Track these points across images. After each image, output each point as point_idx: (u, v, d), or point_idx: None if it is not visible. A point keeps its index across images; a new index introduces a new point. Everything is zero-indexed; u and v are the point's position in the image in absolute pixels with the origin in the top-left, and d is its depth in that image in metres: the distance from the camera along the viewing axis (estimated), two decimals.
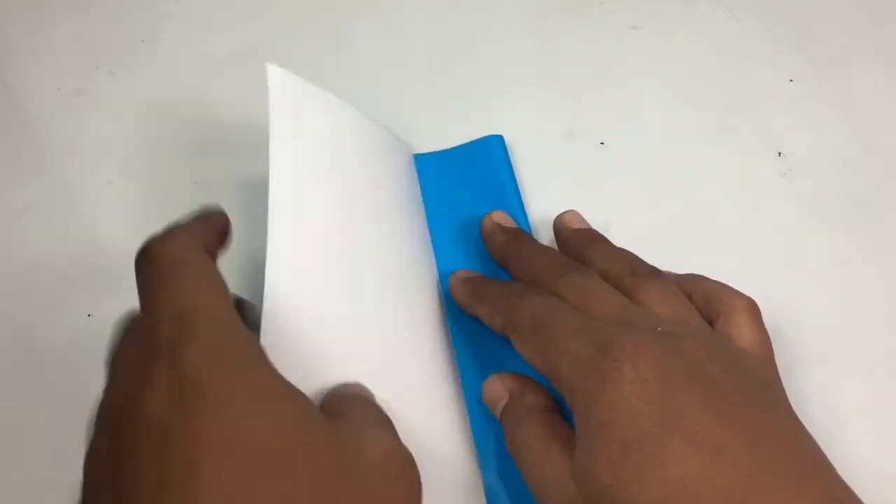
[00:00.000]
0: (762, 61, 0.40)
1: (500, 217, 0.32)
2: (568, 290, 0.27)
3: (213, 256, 0.24)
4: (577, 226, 0.32)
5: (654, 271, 0.28)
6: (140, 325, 0.21)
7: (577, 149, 0.37)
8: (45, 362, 0.32)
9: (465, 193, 0.35)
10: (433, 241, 0.34)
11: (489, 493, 0.27)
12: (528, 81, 0.40)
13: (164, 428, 0.18)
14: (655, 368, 0.22)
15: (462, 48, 0.41)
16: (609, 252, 0.30)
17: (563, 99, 0.39)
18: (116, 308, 0.33)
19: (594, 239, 0.31)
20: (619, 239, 0.31)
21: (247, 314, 0.25)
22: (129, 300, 0.33)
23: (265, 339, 0.23)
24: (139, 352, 0.21)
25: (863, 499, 0.22)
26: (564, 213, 0.32)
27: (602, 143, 0.37)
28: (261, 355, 0.21)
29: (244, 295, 0.27)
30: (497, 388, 0.28)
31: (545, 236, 0.34)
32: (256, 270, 0.32)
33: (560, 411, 0.27)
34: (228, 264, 0.28)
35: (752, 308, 0.27)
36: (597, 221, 0.33)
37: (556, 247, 0.33)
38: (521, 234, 0.32)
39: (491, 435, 0.29)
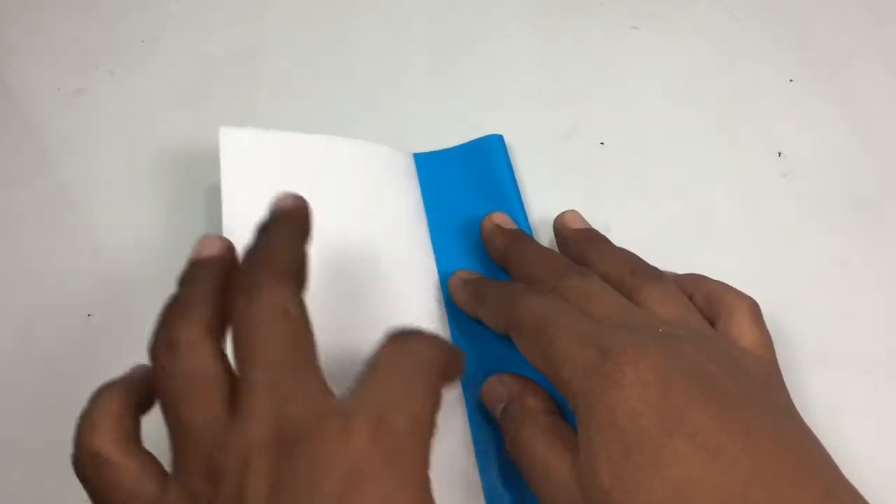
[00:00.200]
0: (762, 61, 0.40)
1: (500, 218, 0.32)
2: (568, 291, 0.27)
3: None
4: (577, 226, 0.32)
5: (654, 272, 0.28)
6: None
7: (577, 149, 0.37)
8: (46, 362, 0.32)
9: (466, 193, 0.35)
10: (433, 241, 0.34)
11: (489, 494, 0.27)
12: (528, 81, 0.40)
13: None
14: (656, 370, 0.22)
15: (462, 48, 0.41)
16: (609, 252, 0.30)
17: (563, 99, 0.39)
18: (116, 308, 0.33)
19: (594, 239, 0.31)
20: (619, 239, 0.31)
21: None
22: (129, 300, 0.33)
23: None
24: None
25: (864, 498, 0.22)
26: (564, 212, 0.32)
27: (602, 143, 0.37)
28: None
29: None
30: (497, 390, 0.28)
31: (545, 236, 0.34)
32: None
33: (561, 413, 0.27)
34: None
35: (754, 308, 0.27)
36: (597, 221, 0.33)
37: (556, 247, 0.33)
38: (521, 235, 0.32)
39: (491, 435, 0.28)
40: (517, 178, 0.35)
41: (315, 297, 0.28)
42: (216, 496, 0.20)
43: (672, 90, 0.39)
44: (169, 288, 0.33)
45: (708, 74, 0.39)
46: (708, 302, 0.27)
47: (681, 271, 0.29)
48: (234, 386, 0.21)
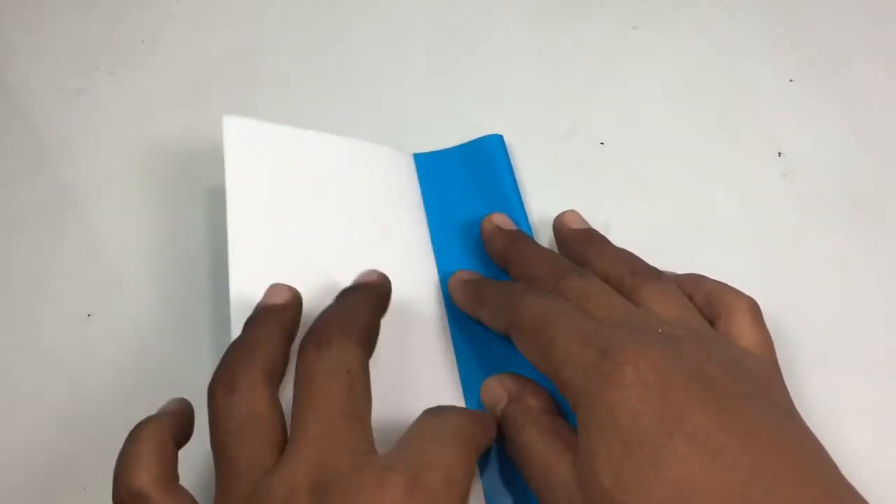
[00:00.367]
0: (762, 61, 0.40)
1: (499, 219, 0.32)
2: (568, 292, 0.27)
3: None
4: (576, 226, 0.32)
5: (654, 272, 0.28)
6: None
7: (577, 149, 0.37)
8: (45, 362, 0.32)
9: (466, 193, 0.35)
10: (433, 241, 0.34)
11: (489, 494, 0.27)
12: (528, 81, 0.40)
13: None
14: (656, 370, 0.22)
15: (462, 48, 0.41)
16: (609, 252, 0.30)
17: (563, 99, 0.39)
18: (116, 308, 0.33)
19: (594, 239, 0.31)
20: (619, 239, 0.31)
21: None
22: (129, 300, 0.33)
23: None
24: None
25: (864, 498, 0.22)
26: (564, 212, 0.32)
27: (602, 143, 0.37)
28: None
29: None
30: (496, 390, 0.28)
31: (545, 237, 0.34)
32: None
33: (561, 413, 0.27)
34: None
35: (754, 308, 0.27)
36: (597, 221, 0.33)
37: (555, 247, 0.33)
38: (521, 236, 0.32)
39: None
40: (517, 178, 0.35)
41: (314, 297, 0.29)
42: None
43: (672, 90, 0.39)
44: (169, 288, 0.33)
45: (708, 74, 0.39)
46: (708, 302, 0.27)
47: (681, 271, 0.29)
48: (284, 432, 0.23)
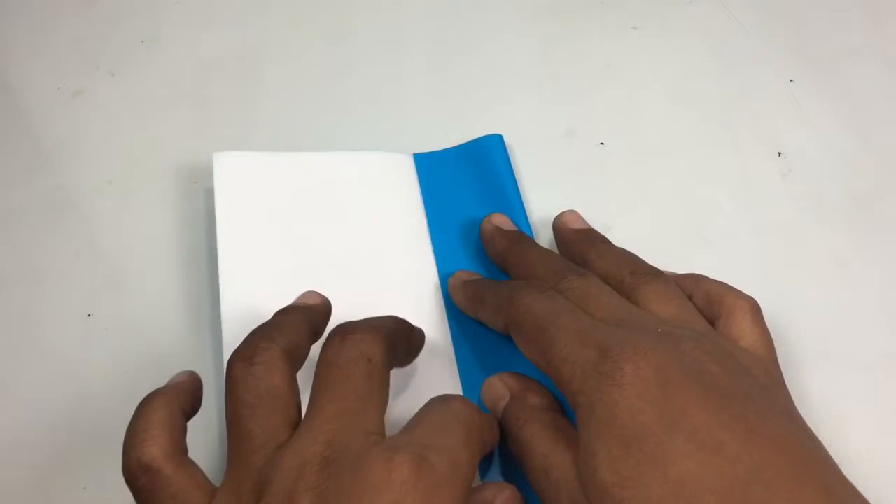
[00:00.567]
0: (762, 61, 0.40)
1: (499, 220, 0.32)
2: (568, 292, 0.27)
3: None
4: (576, 226, 0.32)
5: (654, 271, 0.28)
6: None
7: (577, 149, 0.37)
8: (45, 362, 0.32)
9: (466, 193, 0.35)
10: (433, 241, 0.34)
11: None
12: (529, 82, 0.40)
13: None
14: (656, 369, 0.23)
15: (462, 48, 0.41)
16: (609, 252, 0.30)
17: (563, 99, 0.39)
18: (116, 308, 0.33)
19: (594, 239, 0.31)
20: (619, 239, 0.31)
21: None
22: (129, 300, 0.33)
23: None
24: None
25: (863, 496, 0.22)
26: (564, 213, 0.32)
27: (602, 144, 0.37)
28: None
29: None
30: (498, 388, 0.28)
31: (545, 237, 0.34)
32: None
33: (562, 410, 0.27)
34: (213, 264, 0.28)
35: (754, 308, 0.27)
36: (597, 221, 0.33)
37: (555, 247, 0.33)
38: (521, 237, 0.32)
39: None
40: (517, 178, 0.35)
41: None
42: None
43: (672, 90, 0.39)
44: (169, 288, 0.33)
45: (708, 74, 0.39)
46: (707, 302, 0.27)
47: (681, 271, 0.30)
48: (299, 410, 0.24)
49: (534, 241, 0.32)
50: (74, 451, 0.30)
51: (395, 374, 0.29)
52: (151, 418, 0.23)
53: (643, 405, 0.22)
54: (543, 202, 0.35)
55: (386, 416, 0.24)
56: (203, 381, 0.26)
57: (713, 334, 0.26)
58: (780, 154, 0.36)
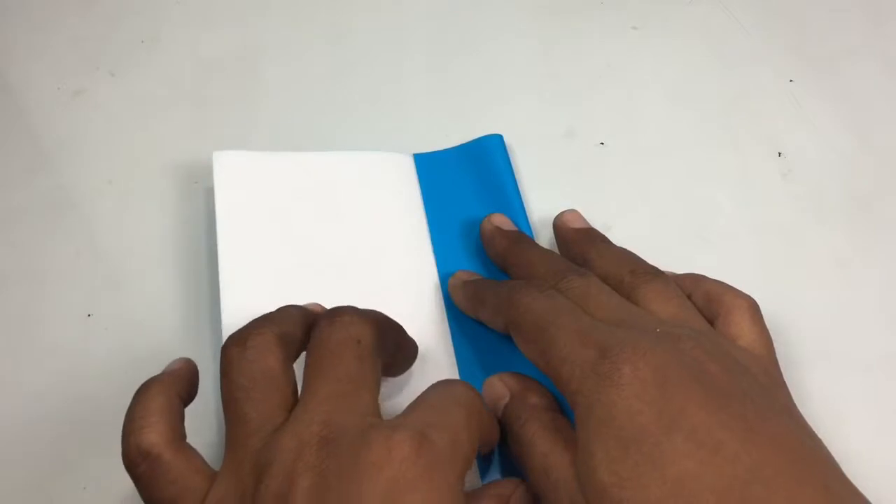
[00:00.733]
0: (762, 62, 0.40)
1: (499, 220, 0.32)
2: (567, 292, 0.27)
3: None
4: (577, 225, 0.32)
5: (654, 271, 0.28)
6: None
7: (577, 149, 0.37)
8: (45, 362, 0.32)
9: (466, 193, 0.35)
10: (433, 241, 0.34)
11: None
12: (529, 81, 0.40)
13: None
14: (654, 369, 0.23)
15: (462, 48, 0.41)
16: (609, 252, 0.30)
17: (563, 99, 0.39)
18: (116, 308, 0.33)
19: (594, 239, 0.31)
20: (619, 239, 0.31)
21: None
22: (129, 300, 0.33)
23: None
24: None
25: (863, 494, 0.22)
26: (564, 212, 0.32)
27: (602, 144, 0.37)
28: None
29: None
30: (497, 388, 0.28)
31: (545, 237, 0.34)
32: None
33: (562, 410, 0.27)
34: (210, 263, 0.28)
35: (753, 307, 0.27)
36: (597, 221, 0.33)
37: (555, 247, 0.33)
38: (521, 237, 0.32)
39: None
40: (517, 178, 0.35)
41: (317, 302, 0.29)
42: (262, 491, 0.21)
43: (672, 90, 0.39)
44: (169, 288, 0.33)
45: (708, 74, 0.39)
46: (707, 301, 0.27)
47: (681, 271, 0.29)
48: (294, 394, 0.24)
49: (534, 241, 0.32)
50: (74, 451, 0.30)
51: (395, 378, 0.29)
52: (149, 405, 0.23)
53: (641, 406, 0.22)
54: (543, 202, 0.35)
55: (384, 416, 0.24)
56: (203, 379, 0.26)
57: (712, 333, 0.26)
58: (780, 154, 0.36)
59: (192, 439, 0.24)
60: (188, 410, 0.24)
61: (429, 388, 0.25)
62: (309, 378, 0.23)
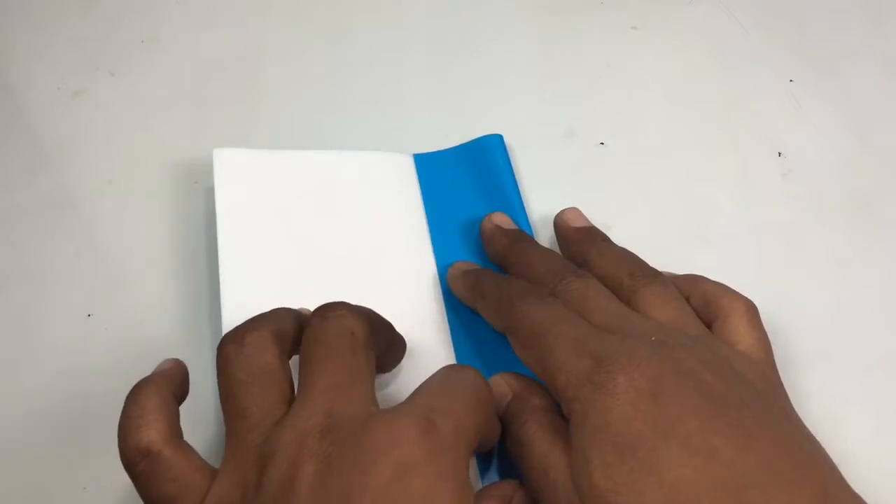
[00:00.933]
0: (762, 62, 0.40)
1: (499, 219, 0.32)
2: (566, 295, 0.27)
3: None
4: (577, 224, 0.32)
5: (653, 274, 0.28)
6: None
7: (577, 149, 0.37)
8: (45, 362, 0.32)
9: (466, 193, 0.35)
10: (433, 241, 0.34)
11: None
12: (529, 82, 0.40)
13: None
14: (649, 378, 0.23)
15: (462, 48, 0.41)
16: (610, 252, 0.30)
17: (563, 99, 0.39)
18: (116, 308, 0.33)
19: (595, 238, 0.31)
20: (618, 239, 0.31)
21: None
22: (129, 300, 0.33)
23: None
24: None
25: (862, 497, 0.22)
26: (565, 210, 0.32)
27: (602, 144, 0.37)
28: None
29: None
30: (500, 387, 0.28)
31: (545, 237, 0.34)
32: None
33: (562, 414, 0.27)
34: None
35: (750, 309, 0.27)
36: (597, 221, 0.33)
37: (556, 246, 0.33)
38: (521, 236, 0.32)
39: None
40: (517, 178, 0.35)
41: (316, 304, 0.29)
42: (266, 482, 0.21)
43: (672, 90, 0.39)
44: (169, 288, 0.33)
45: (708, 74, 0.39)
46: (704, 304, 0.27)
47: (681, 272, 0.29)
48: (292, 389, 0.24)
49: (534, 240, 0.32)
50: (74, 451, 0.30)
51: (395, 376, 0.29)
52: (145, 404, 0.23)
53: (636, 413, 0.22)
54: (543, 202, 0.35)
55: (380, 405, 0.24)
56: (203, 379, 0.26)
57: (709, 339, 0.26)
58: (780, 154, 0.36)
59: (189, 439, 0.24)
60: (184, 411, 0.24)
61: (437, 373, 0.25)
62: (306, 371, 0.23)
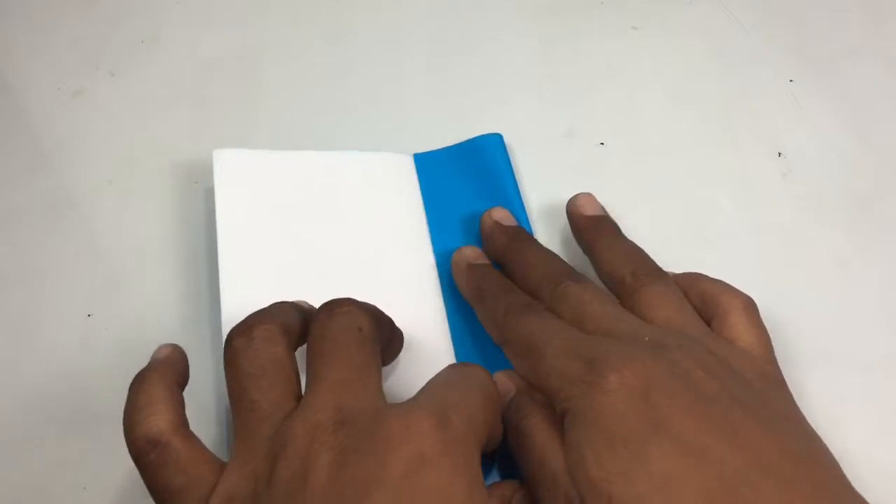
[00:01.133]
0: (762, 62, 0.40)
1: (499, 214, 0.32)
2: (563, 300, 0.27)
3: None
4: (589, 212, 0.32)
5: (655, 272, 0.28)
6: None
7: (577, 149, 0.37)
8: (45, 362, 0.32)
9: (465, 192, 0.35)
10: (433, 240, 0.34)
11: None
12: (529, 81, 0.40)
13: None
14: (641, 377, 0.23)
15: (462, 48, 0.41)
16: (617, 246, 0.30)
17: (563, 99, 0.39)
18: (116, 308, 0.33)
19: (604, 230, 0.31)
20: None
21: None
22: (129, 300, 0.33)
23: None
24: None
25: (862, 496, 0.22)
26: (578, 195, 0.32)
27: (602, 144, 0.37)
28: None
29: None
30: (504, 383, 0.28)
31: (544, 237, 0.34)
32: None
33: None
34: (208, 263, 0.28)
35: (749, 306, 0.27)
36: None
37: (557, 242, 0.33)
38: (520, 234, 0.32)
39: None
40: (517, 177, 0.35)
41: (316, 303, 0.29)
42: (278, 474, 0.21)
43: (672, 90, 0.39)
44: (169, 288, 0.33)
45: (708, 74, 0.39)
46: (703, 301, 0.27)
47: (680, 271, 0.29)
48: (300, 383, 0.24)
49: (533, 238, 0.32)
50: (74, 451, 0.30)
51: (394, 374, 0.29)
52: (152, 393, 0.23)
53: (627, 409, 0.22)
54: (543, 202, 0.35)
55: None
56: (203, 378, 0.26)
57: (708, 338, 0.26)
58: (780, 154, 0.36)
59: None
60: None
61: (444, 370, 0.25)
62: (314, 366, 0.23)
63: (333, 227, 0.33)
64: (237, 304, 0.30)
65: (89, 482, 0.29)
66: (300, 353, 0.25)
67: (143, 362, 0.25)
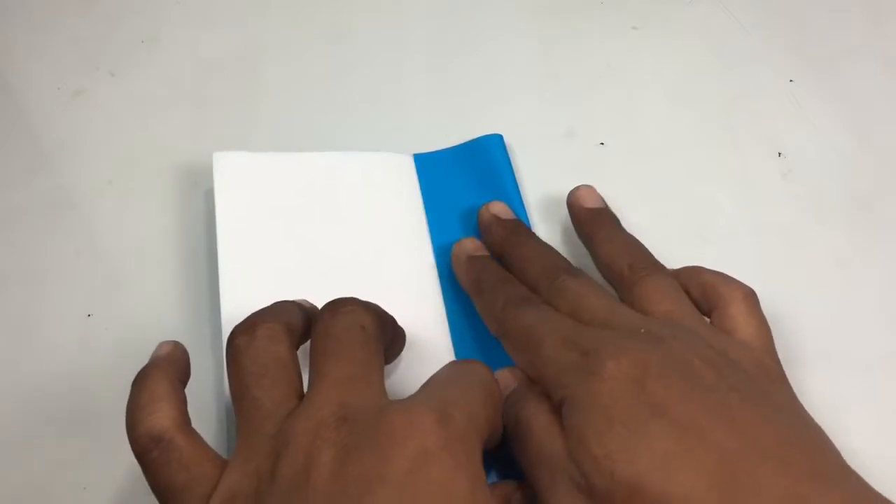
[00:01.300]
0: (762, 62, 0.40)
1: (497, 208, 0.32)
2: (560, 294, 0.27)
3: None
4: (589, 204, 0.32)
5: (653, 266, 0.28)
6: None
7: (577, 149, 0.37)
8: (45, 362, 0.32)
9: (466, 192, 0.35)
10: (433, 241, 0.34)
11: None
12: (529, 82, 0.40)
13: None
14: (636, 364, 0.23)
15: (462, 48, 0.41)
16: (616, 238, 0.30)
17: (563, 99, 0.39)
18: (116, 308, 0.33)
19: (604, 223, 0.31)
20: None
21: None
22: (129, 300, 0.33)
23: None
24: None
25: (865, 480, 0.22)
26: (579, 187, 0.32)
27: (602, 144, 0.37)
28: None
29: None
30: (505, 377, 0.28)
31: (545, 235, 0.34)
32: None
33: None
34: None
35: (749, 297, 0.27)
36: None
37: (557, 239, 0.33)
38: (518, 227, 0.32)
39: None
40: (517, 177, 0.35)
41: (317, 304, 0.29)
42: (281, 471, 0.21)
43: (672, 90, 0.39)
44: (169, 288, 0.33)
45: (708, 74, 0.39)
46: (703, 294, 0.28)
47: None
48: (302, 382, 0.23)
49: (531, 232, 0.32)
50: (74, 451, 0.30)
51: (394, 374, 0.29)
52: (154, 390, 0.23)
53: (624, 394, 0.22)
54: (543, 202, 0.35)
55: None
56: (203, 378, 0.26)
57: (705, 330, 0.26)
58: (780, 154, 0.36)
59: None
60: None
61: (446, 366, 0.25)
62: (317, 364, 0.23)
63: (333, 228, 0.33)
64: (237, 304, 0.30)
65: (89, 482, 0.29)
66: (303, 352, 0.25)
67: (143, 362, 0.25)
